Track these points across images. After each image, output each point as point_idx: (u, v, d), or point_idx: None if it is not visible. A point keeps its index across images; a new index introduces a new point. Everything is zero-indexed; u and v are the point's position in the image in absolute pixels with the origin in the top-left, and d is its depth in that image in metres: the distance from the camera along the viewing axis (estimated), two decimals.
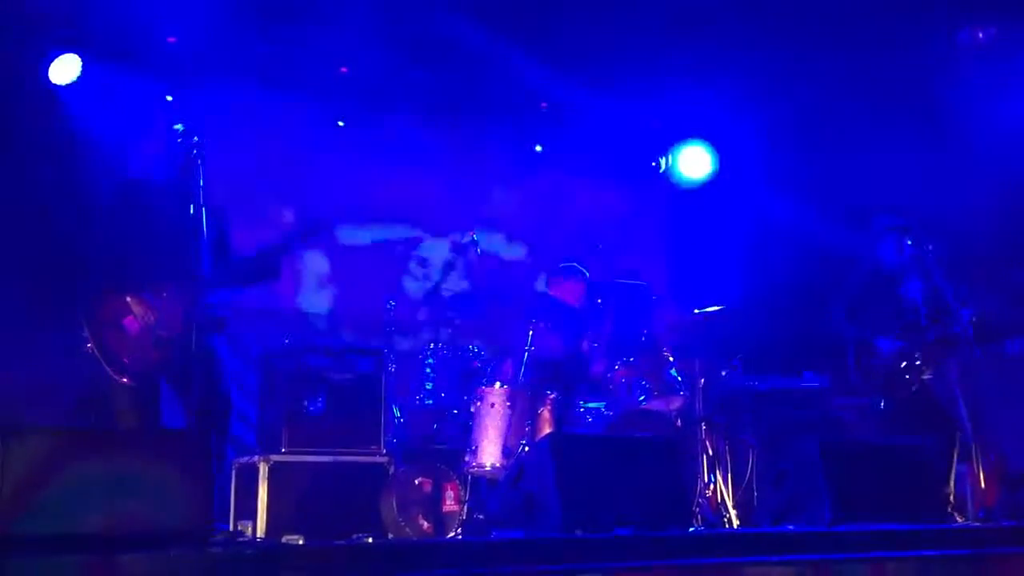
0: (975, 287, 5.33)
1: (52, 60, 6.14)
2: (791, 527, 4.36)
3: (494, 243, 7.66)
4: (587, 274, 6.25)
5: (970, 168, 6.68)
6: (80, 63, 6.16)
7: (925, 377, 5.37)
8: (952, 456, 5.28)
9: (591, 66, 7.14)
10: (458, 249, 6.25)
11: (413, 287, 7.41)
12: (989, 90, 6.83)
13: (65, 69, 6.18)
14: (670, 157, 8.18)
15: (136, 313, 4.17)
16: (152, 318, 4.18)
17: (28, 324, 5.60)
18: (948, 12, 6.70)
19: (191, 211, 4.03)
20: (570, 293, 6.19)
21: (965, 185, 6.61)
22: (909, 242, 5.49)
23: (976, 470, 5.20)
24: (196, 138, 4.32)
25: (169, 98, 6.53)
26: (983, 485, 5.25)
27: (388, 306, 6.23)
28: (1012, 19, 6.74)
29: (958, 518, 5.17)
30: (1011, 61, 6.81)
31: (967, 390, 5.37)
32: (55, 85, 6.16)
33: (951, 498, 5.17)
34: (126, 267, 4.25)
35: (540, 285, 7.44)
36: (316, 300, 7.24)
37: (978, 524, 5.05)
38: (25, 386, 5.46)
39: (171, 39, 6.47)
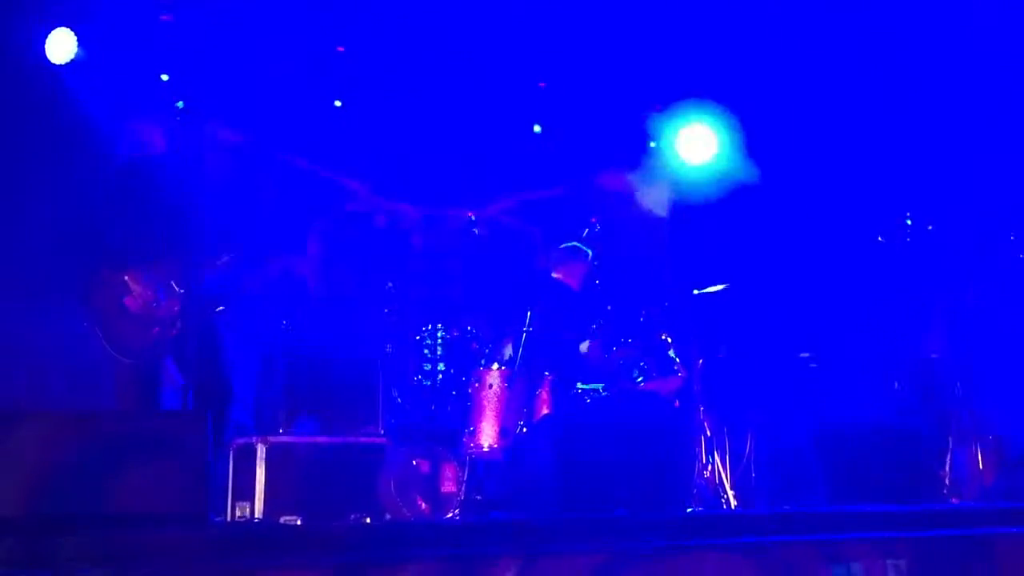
0: (974, 269, 5.32)
1: (44, 36, 6.09)
2: (788, 508, 4.38)
3: (493, 224, 7.62)
4: (590, 254, 6.22)
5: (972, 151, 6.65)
6: (76, 40, 6.12)
7: (933, 356, 5.38)
8: (948, 437, 5.30)
9: (591, 45, 7.09)
10: (457, 230, 6.23)
11: (412, 267, 7.39)
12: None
13: (62, 47, 6.13)
14: (669, 138, 8.12)
15: (136, 292, 4.16)
16: (152, 297, 4.17)
17: (27, 304, 5.59)
18: None
19: (191, 190, 4.02)
20: (571, 274, 6.17)
21: (967, 167, 6.59)
22: (909, 222, 5.49)
23: (974, 451, 5.22)
24: (195, 116, 4.30)
25: (165, 77, 6.49)
26: (980, 466, 5.26)
27: (387, 287, 6.23)
28: None
29: (955, 500, 5.19)
30: None
31: (965, 371, 5.38)
32: (52, 63, 6.12)
33: (947, 479, 5.18)
34: (126, 246, 4.23)
35: (540, 266, 7.41)
36: (314, 281, 7.21)
37: (975, 505, 5.07)
38: (24, 367, 5.45)
39: (165, 17, 6.42)
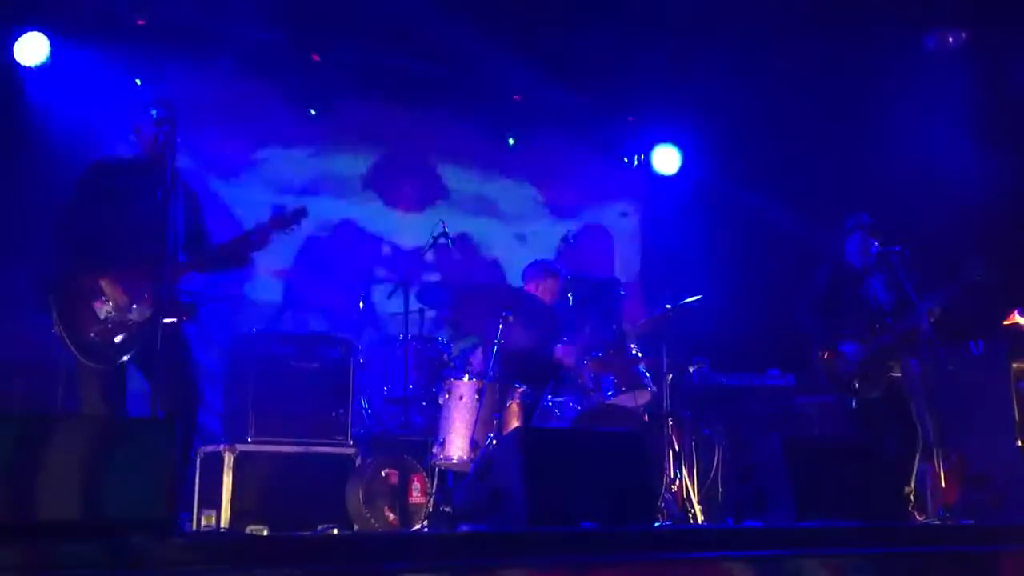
0: (940, 287, 5.39)
1: (16, 38, 6.04)
2: (754, 523, 4.40)
3: (466, 235, 7.64)
4: (561, 271, 6.24)
5: (932, 167, 6.77)
6: (48, 43, 6.07)
7: (893, 375, 5.42)
8: (915, 455, 5.35)
9: (564, 61, 7.16)
10: (429, 240, 6.22)
11: (384, 277, 7.38)
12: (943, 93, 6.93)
13: (34, 50, 6.08)
14: (642, 154, 8.23)
15: (107, 296, 4.12)
16: (123, 302, 4.13)
17: None
18: (915, 15, 6.79)
19: (164, 195, 4.00)
20: (545, 289, 6.17)
21: (929, 184, 6.71)
22: (876, 241, 5.56)
23: (936, 469, 5.27)
24: (169, 121, 4.28)
25: (138, 82, 6.45)
26: (943, 484, 5.32)
27: (360, 297, 6.24)
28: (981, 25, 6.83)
29: (919, 516, 5.24)
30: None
31: (928, 389, 5.44)
32: (24, 66, 6.06)
33: (912, 496, 5.23)
34: (98, 250, 4.20)
35: (513, 279, 7.43)
36: (285, 288, 7.18)
37: (938, 522, 5.13)
38: None
39: (140, 21, 6.39)
